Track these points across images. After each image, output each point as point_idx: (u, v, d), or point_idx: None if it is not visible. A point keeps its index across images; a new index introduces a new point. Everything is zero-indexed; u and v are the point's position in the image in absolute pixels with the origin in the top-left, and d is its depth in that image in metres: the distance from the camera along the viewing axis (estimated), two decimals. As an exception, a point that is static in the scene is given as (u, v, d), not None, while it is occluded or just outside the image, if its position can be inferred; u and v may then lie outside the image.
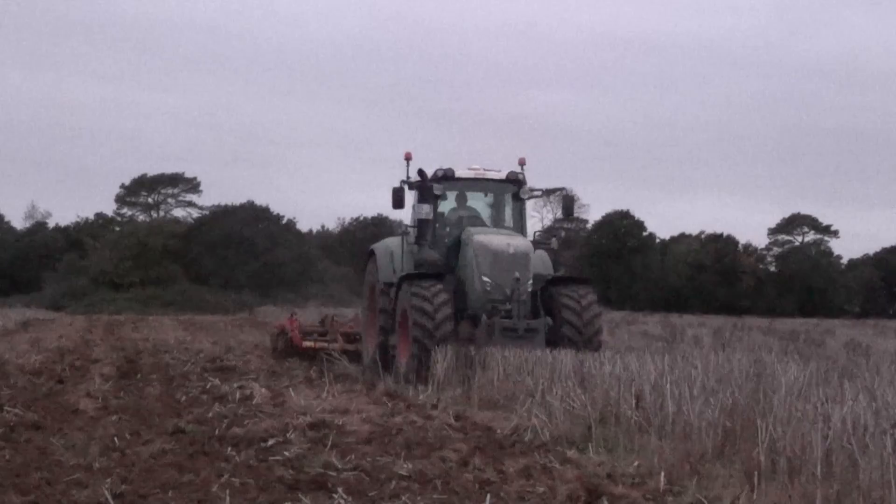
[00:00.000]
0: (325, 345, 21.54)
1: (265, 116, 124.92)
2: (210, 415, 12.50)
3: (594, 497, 8.27)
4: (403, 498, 8.14)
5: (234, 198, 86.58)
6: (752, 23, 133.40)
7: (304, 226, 77.28)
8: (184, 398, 14.39)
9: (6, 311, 43.73)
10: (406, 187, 18.96)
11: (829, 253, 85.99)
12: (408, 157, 19.19)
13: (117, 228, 76.96)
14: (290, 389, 15.40)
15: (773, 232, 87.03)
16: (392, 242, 19.79)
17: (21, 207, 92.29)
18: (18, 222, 79.90)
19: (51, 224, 79.88)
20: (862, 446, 7.53)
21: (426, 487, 8.55)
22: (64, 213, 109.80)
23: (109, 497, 7.82)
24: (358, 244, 70.35)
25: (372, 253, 20.20)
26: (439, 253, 18.60)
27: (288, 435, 10.95)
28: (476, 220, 19.24)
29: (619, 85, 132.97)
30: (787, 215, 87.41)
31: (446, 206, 19.39)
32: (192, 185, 79.46)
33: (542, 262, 18.60)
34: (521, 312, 17.23)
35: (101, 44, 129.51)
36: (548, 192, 19.10)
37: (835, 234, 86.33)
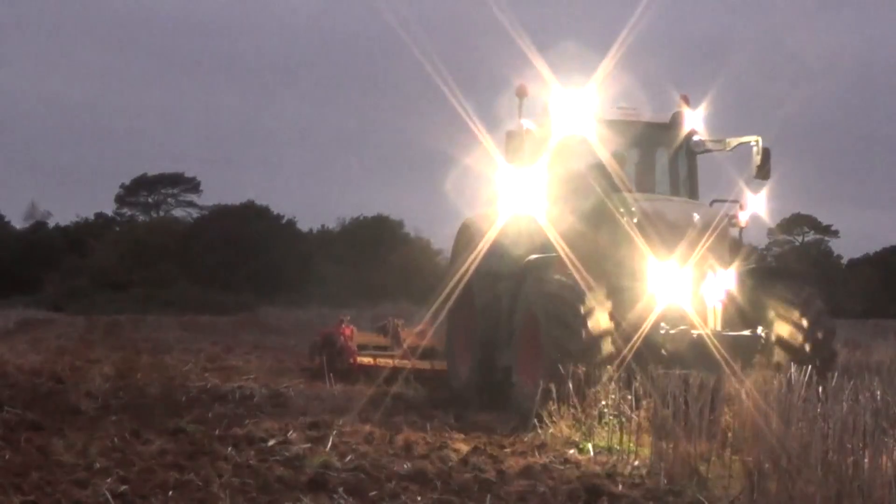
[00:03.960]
0: (390, 361, 16.67)
1: (265, 116, 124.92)
2: (210, 415, 12.50)
3: (594, 497, 8.27)
4: (403, 498, 8.14)
5: (234, 198, 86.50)
6: (751, 22, 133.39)
7: (304, 226, 77.27)
8: (184, 398, 14.38)
9: (6, 311, 43.71)
10: (527, 132, 13.48)
11: (829, 253, 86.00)
12: (522, 93, 13.69)
13: (117, 228, 76.98)
14: (290, 389, 15.39)
15: (772, 232, 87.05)
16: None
17: (21, 207, 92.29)
18: (18, 222, 79.97)
19: (51, 224, 79.95)
20: (862, 446, 7.53)
21: (426, 487, 8.55)
22: (64, 213, 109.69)
23: (109, 497, 7.82)
24: (358, 244, 70.48)
25: (467, 229, 14.80)
26: (574, 228, 13.13)
27: (288, 435, 10.95)
28: (630, 180, 13.81)
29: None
30: (787, 215, 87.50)
31: (575, 159, 13.86)
32: (192, 185, 79.55)
33: None
34: (717, 319, 12.40)
35: (101, 44, 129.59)
36: (727, 143, 13.85)
37: (835, 234, 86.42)
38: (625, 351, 11.52)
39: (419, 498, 8.18)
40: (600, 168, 13.47)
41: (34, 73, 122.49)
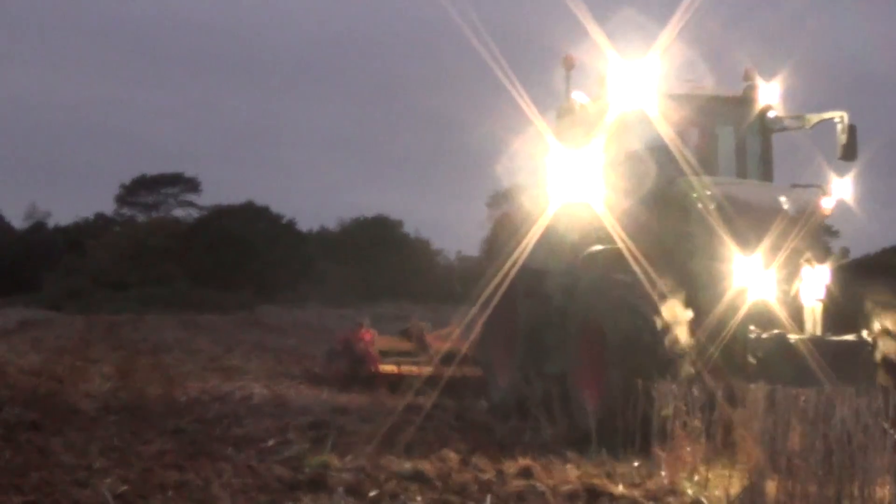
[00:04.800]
0: (415, 368, 15.36)
1: (265, 116, 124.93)
2: (210, 415, 12.50)
3: (594, 497, 8.27)
4: (403, 498, 8.14)
5: (234, 198, 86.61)
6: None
7: (304, 226, 77.29)
8: (184, 398, 14.39)
9: (6, 311, 43.71)
10: (580, 108, 12.09)
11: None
12: (569, 64, 12.33)
13: (117, 228, 76.99)
14: (290, 389, 15.39)
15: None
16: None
17: (21, 207, 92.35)
18: (18, 222, 79.98)
19: (51, 224, 79.95)
20: (862, 446, 7.53)
21: (426, 487, 8.55)
22: (64, 213, 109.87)
23: (109, 497, 7.82)
24: (358, 244, 70.47)
25: (508, 219, 13.48)
26: (636, 216, 11.59)
27: (288, 435, 10.95)
28: (699, 162, 11.89)
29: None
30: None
31: (635, 137, 12.05)
32: (192, 185, 79.55)
33: None
34: (818, 322, 10.68)
35: (101, 44, 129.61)
36: (807, 120, 11.97)
37: (835, 234, 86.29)
38: (707, 356, 10.04)
39: (419, 498, 8.18)
40: (664, 147, 11.77)
41: (34, 73, 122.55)
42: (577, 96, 12.18)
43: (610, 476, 9.10)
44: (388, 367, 15.58)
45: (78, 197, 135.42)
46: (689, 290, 10.46)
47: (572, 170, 11.70)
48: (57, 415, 12.34)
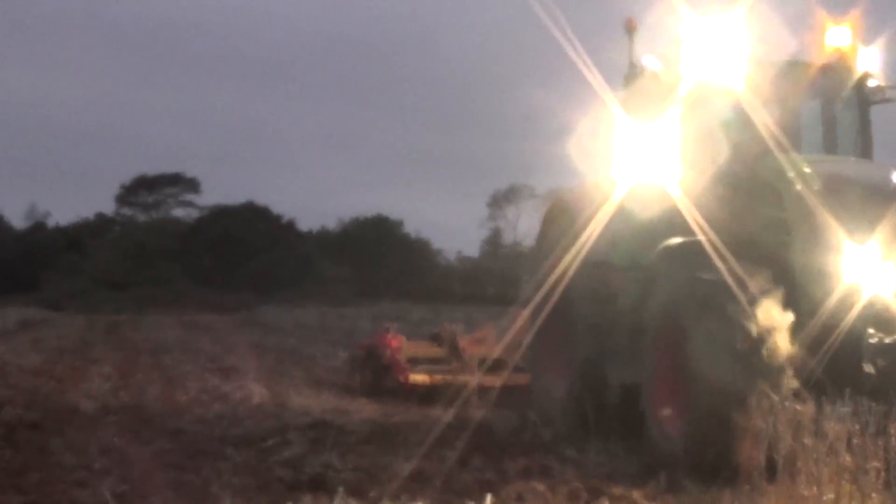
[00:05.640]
0: (449, 377, 13.65)
1: (265, 116, 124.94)
2: (210, 415, 12.50)
3: (594, 497, 8.26)
4: (403, 498, 8.14)
5: (234, 198, 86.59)
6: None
7: (304, 226, 77.34)
8: (184, 398, 14.38)
9: (6, 310, 43.70)
10: (651, 76, 10.44)
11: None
12: (631, 28, 10.74)
13: (117, 228, 77.02)
14: (290, 389, 15.39)
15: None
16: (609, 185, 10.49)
17: (21, 207, 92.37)
18: (18, 222, 79.99)
19: (51, 224, 79.97)
20: (862, 447, 7.52)
21: (426, 487, 8.54)
22: (64, 213, 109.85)
23: (109, 497, 7.82)
24: (358, 244, 70.48)
25: (564, 205, 11.47)
26: (719, 201, 9.95)
27: (288, 435, 10.94)
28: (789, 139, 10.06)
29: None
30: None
31: (715, 109, 10.36)
32: (192, 185, 79.57)
33: None
34: None
35: (101, 44, 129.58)
36: None
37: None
38: (813, 366, 8.55)
39: (419, 498, 8.17)
40: (749, 121, 10.08)
41: (34, 73, 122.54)
42: (647, 62, 10.54)
43: (610, 476, 9.10)
44: (418, 377, 14.00)
45: (78, 197, 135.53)
46: (787, 288, 8.82)
47: (642, 147, 10.12)
48: (57, 415, 12.34)
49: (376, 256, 67.78)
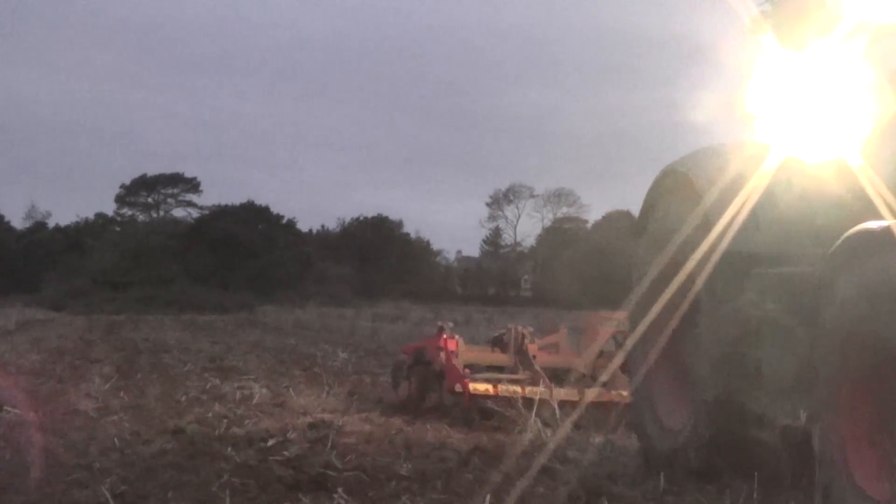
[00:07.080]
0: (518, 389, 11.76)
1: (265, 116, 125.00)
2: (210, 415, 12.49)
3: (594, 497, 8.26)
4: (403, 498, 8.13)
5: (234, 198, 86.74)
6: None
7: (304, 226, 77.43)
8: (184, 398, 14.37)
9: (6, 311, 43.72)
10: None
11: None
12: None
13: (117, 228, 77.06)
14: (290, 389, 15.38)
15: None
16: (754, 152, 7.68)
17: (21, 207, 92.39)
18: (18, 222, 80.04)
19: (51, 224, 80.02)
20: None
21: (426, 487, 8.54)
22: (64, 213, 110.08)
23: (109, 497, 7.81)
24: (358, 244, 70.47)
25: (686, 179, 8.28)
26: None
27: (288, 435, 10.93)
28: None
29: (623, 82, 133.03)
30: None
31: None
32: (192, 185, 79.64)
33: None
34: None
35: (101, 44, 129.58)
36: None
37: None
38: None
39: (419, 498, 8.17)
40: None
41: (34, 72, 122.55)
42: None
43: (610, 476, 9.10)
44: (480, 387, 11.75)
45: (78, 197, 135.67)
46: None
47: (802, 95, 7.13)
48: (57, 415, 12.34)
49: (376, 256, 67.81)
